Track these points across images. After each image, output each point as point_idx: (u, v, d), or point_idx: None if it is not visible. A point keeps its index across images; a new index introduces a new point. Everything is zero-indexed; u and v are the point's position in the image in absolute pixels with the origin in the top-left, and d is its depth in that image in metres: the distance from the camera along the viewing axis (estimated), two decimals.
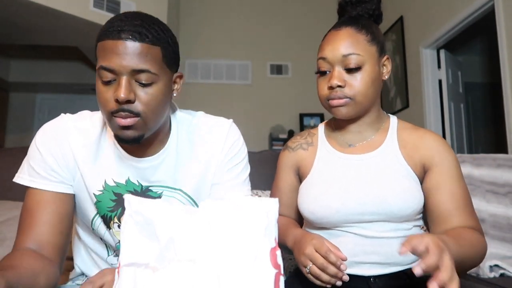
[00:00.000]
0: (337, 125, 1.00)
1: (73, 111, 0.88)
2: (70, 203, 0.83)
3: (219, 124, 0.89)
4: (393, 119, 1.00)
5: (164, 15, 3.73)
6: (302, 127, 4.73)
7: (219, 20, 4.95)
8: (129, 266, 0.43)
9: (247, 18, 5.00)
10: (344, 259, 0.74)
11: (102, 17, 3.35)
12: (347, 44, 0.88)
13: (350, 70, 0.88)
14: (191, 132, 0.87)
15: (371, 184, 0.88)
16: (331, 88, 0.88)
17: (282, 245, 0.86)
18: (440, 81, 3.52)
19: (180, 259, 0.43)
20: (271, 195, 1.06)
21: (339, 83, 0.87)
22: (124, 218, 0.47)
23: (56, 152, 0.80)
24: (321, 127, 1.05)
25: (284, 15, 5.01)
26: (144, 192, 0.84)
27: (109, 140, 0.83)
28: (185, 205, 0.85)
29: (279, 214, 0.99)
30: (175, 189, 0.85)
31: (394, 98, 4.09)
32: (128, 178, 0.83)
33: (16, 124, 5.79)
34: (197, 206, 0.86)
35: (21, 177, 0.80)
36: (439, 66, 3.54)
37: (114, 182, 0.83)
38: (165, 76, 0.75)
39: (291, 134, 4.56)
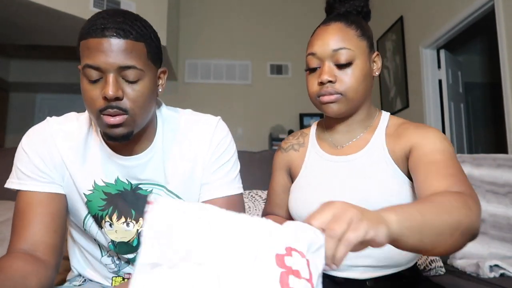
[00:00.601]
0: (327, 125, 0.98)
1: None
2: (62, 202, 0.83)
3: (205, 121, 0.88)
4: (385, 115, 0.95)
5: (164, 15, 3.73)
6: (302, 127, 4.72)
7: (219, 20, 4.95)
8: (146, 266, 0.43)
9: (247, 18, 5.00)
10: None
11: None
12: (337, 39, 0.85)
13: (340, 66, 0.85)
14: (176, 129, 0.86)
15: (357, 187, 0.85)
16: (321, 84, 0.86)
17: None
18: (440, 81, 3.52)
19: (189, 261, 0.43)
20: (268, 196, 1.08)
21: (330, 78, 0.84)
22: (145, 219, 0.47)
23: (43, 152, 0.80)
24: (314, 127, 1.04)
25: (284, 15, 5.01)
26: (134, 190, 0.84)
27: (96, 140, 0.83)
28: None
29: (272, 213, 1.02)
30: (163, 187, 0.85)
31: (394, 98, 4.09)
32: (117, 177, 0.83)
33: (16, 124, 5.78)
34: None
35: (11, 182, 0.81)
36: (439, 66, 3.54)
37: (103, 182, 0.83)
38: (150, 72, 0.75)
39: (291, 134, 4.56)
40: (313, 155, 0.97)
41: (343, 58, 0.84)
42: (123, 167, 0.82)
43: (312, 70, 0.89)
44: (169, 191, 0.84)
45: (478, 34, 4.28)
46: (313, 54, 0.88)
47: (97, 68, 0.69)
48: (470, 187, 0.71)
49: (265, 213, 1.08)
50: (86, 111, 0.84)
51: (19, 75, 5.55)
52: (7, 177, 0.82)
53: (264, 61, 4.96)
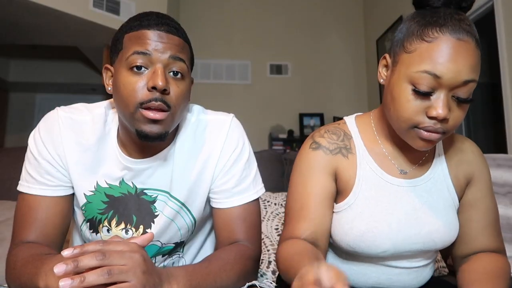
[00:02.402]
0: (381, 133, 0.82)
1: None
2: (68, 203, 0.81)
3: (217, 123, 0.85)
4: None
5: None
6: (302, 127, 4.73)
7: (218, 20, 4.95)
8: None
9: (246, 18, 5.00)
10: None
11: (101, 17, 3.35)
12: (472, 67, 0.64)
13: (461, 101, 0.67)
14: (187, 132, 0.83)
15: (422, 220, 0.77)
16: (432, 118, 0.66)
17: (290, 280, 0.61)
18: None
19: None
20: (293, 211, 0.79)
21: (448, 117, 0.66)
22: None
23: (51, 153, 0.78)
24: (354, 127, 0.83)
25: (284, 15, 5.00)
26: (138, 195, 0.82)
27: (109, 139, 0.80)
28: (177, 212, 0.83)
29: (299, 235, 0.75)
30: (167, 193, 0.82)
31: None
32: (123, 179, 0.80)
33: (16, 124, 5.79)
34: (190, 212, 0.84)
35: (21, 184, 0.79)
36: None
37: (107, 183, 0.80)
38: (189, 75, 0.76)
39: (291, 134, 4.56)
40: (367, 170, 0.79)
41: (469, 92, 0.66)
42: (132, 170, 0.79)
43: (420, 94, 0.66)
44: (172, 197, 0.82)
45: (477, 34, 4.27)
46: (435, 76, 0.64)
47: (146, 54, 0.68)
48: (502, 238, 0.81)
49: (289, 235, 0.77)
50: (100, 105, 0.83)
51: (19, 75, 5.56)
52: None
53: (263, 61, 4.96)
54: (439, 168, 0.81)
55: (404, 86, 0.68)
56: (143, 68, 0.68)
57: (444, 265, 1.35)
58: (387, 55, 0.76)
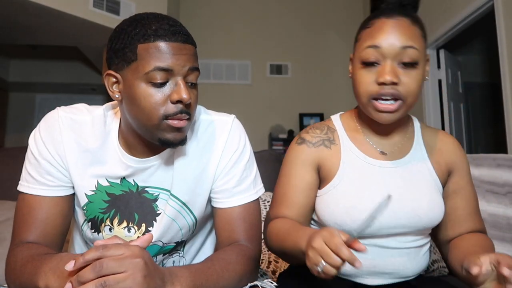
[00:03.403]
0: (363, 125, 0.91)
1: None
2: (68, 203, 0.81)
3: (219, 124, 0.86)
4: (416, 121, 0.95)
5: None
6: (302, 127, 4.72)
7: (218, 20, 4.95)
8: None
9: (246, 18, 5.00)
10: (363, 250, 0.62)
11: (101, 17, 3.35)
12: (406, 36, 0.77)
13: (406, 65, 0.77)
14: (191, 132, 0.84)
15: (405, 196, 0.83)
16: (382, 84, 0.77)
17: (288, 253, 0.80)
18: (439, 81, 3.53)
19: None
20: (278, 197, 0.90)
21: (394, 80, 0.76)
22: None
23: (51, 153, 0.78)
24: (338, 122, 0.94)
25: (284, 15, 5.00)
26: (140, 193, 0.82)
27: (110, 139, 0.80)
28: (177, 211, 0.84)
29: (283, 216, 0.88)
30: (168, 191, 0.82)
31: None
32: (124, 177, 0.81)
33: (16, 124, 5.79)
34: (191, 212, 0.85)
35: (21, 184, 0.79)
36: (438, 66, 3.54)
37: (108, 181, 0.80)
38: None
39: (291, 134, 4.56)
40: (351, 156, 0.88)
41: (410, 57, 0.77)
42: (134, 168, 0.80)
43: (369, 64, 0.79)
44: (172, 195, 0.82)
45: (477, 34, 4.28)
46: (376, 47, 0.77)
47: (167, 70, 0.68)
48: (482, 220, 0.91)
49: (274, 215, 0.89)
50: (99, 107, 0.82)
51: (19, 75, 5.56)
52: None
53: (264, 61, 4.96)
54: (419, 153, 0.89)
55: (358, 67, 0.81)
56: (163, 82, 0.69)
57: (444, 265, 1.35)
58: (351, 55, 0.88)
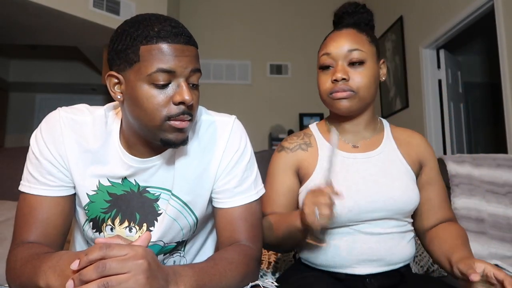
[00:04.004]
0: (334, 125, 1.02)
1: None
2: (69, 203, 0.81)
3: (219, 124, 0.86)
4: (384, 121, 1.06)
5: None
6: (302, 127, 4.72)
7: (219, 20, 4.95)
8: None
9: (246, 18, 5.00)
10: (340, 193, 0.78)
11: (101, 17, 3.35)
12: (351, 41, 0.92)
13: (353, 64, 0.91)
14: (192, 132, 0.84)
15: (379, 182, 0.91)
16: (335, 81, 0.91)
17: (282, 239, 0.90)
18: (439, 81, 3.52)
19: None
20: (265, 199, 0.98)
21: (344, 76, 0.90)
22: None
23: (53, 153, 0.78)
24: (314, 127, 1.05)
25: (283, 15, 5.01)
26: (141, 193, 0.82)
27: (111, 139, 0.80)
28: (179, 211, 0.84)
29: (271, 213, 0.96)
30: (169, 191, 0.82)
31: (394, 98, 4.09)
32: (125, 177, 0.81)
33: (16, 124, 5.79)
34: (192, 212, 0.85)
35: (22, 184, 0.79)
36: (438, 66, 3.54)
37: (109, 181, 0.80)
38: None
39: (291, 134, 4.56)
40: (326, 153, 0.97)
41: (356, 57, 0.91)
42: (135, 168, 0.80)
43: (325, 68, 0.94)
44: (174, 195, 0.82)
45: (477, 34, 4.28)
46: (327, 54, 0.93)
47: (170, 72, 0.69)
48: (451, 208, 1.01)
49: (263, 215, 0.97)
50: (100, 107, 0.82)
51: (19, 75, 5.56)
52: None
53: (264, 61, 4.96)
54: (389, 145, 0.99)
55: (318, 72, 0.98)
56: (165, 84, 0.70)
57: None
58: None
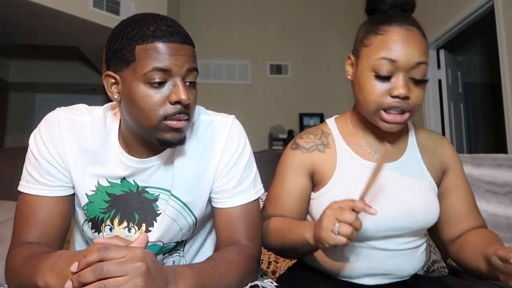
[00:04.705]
0: (358, 128, 0.92)
1: None
2: (68, 203, 0.81)
3: (219, 124, 0.86)
4: (410, 124, 0.96)
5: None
6: (302, 127, 4.72)
7: (218, 20, 4.94)
8: None
9: (246, 18, 5.00)
10: (375, 213, 0.68)
11: (101, 17, 3.35)
12: (421, 51, 0.77)
13: (417, 81, 0.78)
14: (190, 132, 0.84)
15: (400, 198, 0.84)
16: (395, 97, 0.77)
17: (289, 246, 0.85)
18: (439, 81, 3.52)
19: None
20: (273, 197, 0.93)
21: (408, 94, 0.77)
22: None
23: (52, 153, 0.77)
24: (333, 125, 0.94)
25: (283, 15, 5.00)
26: (140, 193, 0.82)
27: (110, 139, 0.80)
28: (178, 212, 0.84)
29: (280, 215, 0.90)
30: (168, 191, 0.82)
31: None
32: (124, 177, 0.81)
33: (16, 124, 5.79)
34: (192, 212, 0.85)
35: (21, 185, 0.79)
36: (438, 66, 3.54)
37: (108, 182, 0.80)
38: None
39: (291, 134, 4.56)
40: (346, 159, 0.88)
41: (422, 73, 0.78)
42: (134, 168, 0.80)
43: (383, 77, 0.78)
44: (173, 195, 0.82)
45: (477, 34, 4.28)
46: (392, 60, 0.77)
47: (166, 71, 0.68)
48: (481, 215, 0.92)
49: (269, 215, 0.93)
50: (98, 107, 0.82)
51: (19, 75, 5.56)
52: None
53: (263, 61, 4.96)
54: (413, 154, 0.90)
55: (368, 74, 0.80)
56: (162, 82, 0.69)
57: (444, 265, 1.35)
58: (351, 55, 0.88)
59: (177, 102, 0.70)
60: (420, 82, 0.79)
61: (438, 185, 0.91)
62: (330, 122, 0.96)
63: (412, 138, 0.92)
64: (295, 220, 0.88)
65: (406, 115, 0.79)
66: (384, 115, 0.79)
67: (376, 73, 0.78)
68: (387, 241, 0.84)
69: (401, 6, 0.83)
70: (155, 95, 0.69)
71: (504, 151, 2.55)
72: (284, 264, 1.29)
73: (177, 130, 0.71)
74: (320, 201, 0.87)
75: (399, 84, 0.77)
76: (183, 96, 0.69)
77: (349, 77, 0.88)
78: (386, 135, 0.88)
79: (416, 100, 0.79)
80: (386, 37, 0.78)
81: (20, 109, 5.89)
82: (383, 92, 0.78)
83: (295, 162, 0.91)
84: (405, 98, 0.77)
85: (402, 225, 0.83)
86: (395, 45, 0.77)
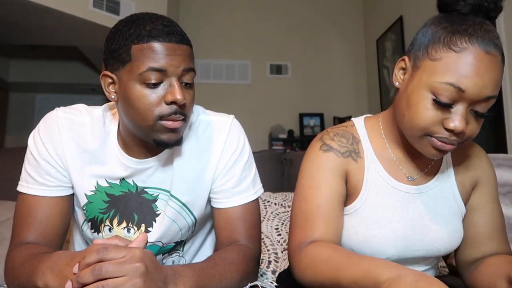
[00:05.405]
0: (392, 142, 0.80)
1: None
2: (67, 203, 0.81)
3: (218, 124, 0.85)
4: None
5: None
6: (302, 127, 4.73)
7: (218, 20, 4.95)
8: None
9: (246, 18, 5.00)
10: None
11: (101, 17, 3.35)
12: (497, 83, 0.63)
13: (480, 116, 0.66)
14: (189, 133, 0.84)
15: (426, 227, 0.77)
16: (450, 130, 0.65)
17: (346, 284, 0.61)
18: None
19: None
20: (306, 213, 0.75)
21: (465, 130, 0.65)
22: None
23: (51, 153, 0.78)
24: (363, 131, 0.82)
25: (283, 14, 5.00)
26: (139, 193, 0.82)
27: (109, 140, 0.80)
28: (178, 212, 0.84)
29: (319, 238, 0.72)
30: (168, 192, 0.82)
31: (394, 98, 4.09)
32: (123, 178, 0.81)
33: (16, 124, 5.79)
34: (191, 212, 0.85)
35: (21, 185, 0.79)
36: None
37: (107, 182, 0.80)
38: None
39: (291, 134, 4.56)
40: (374, 175, 0.78)
41: (487, 108, 0.65)
42: (133, 169, 0.80)
43: (440, 104, 0.64)
44: (172, 196, 0.82)
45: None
46: (460, 89, 0.62)
47: (161, 71, 0.68)
48: (509, 242, 0.80)
49: (305, 239, 0.72)
50: (97, 107, 0.82)
51: (19, 75, 5.56)
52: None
53: (263, 61, 4.96)
54: (446, 175, 0.80)
55: (424, 94, 0.66)
56: (157, 83, 0.69)
57: (444, 265, 1.35)
58: (406, 58, 0.73)
59: (173, 102, 0.69)
60: (481, 117, 0.66)
61: (466, 203, 0.82)
62: (359, 125, 0.82)
63: (447, 157, 0.82)
64: (352, 251, 0.70)
65: (455, 146, 0.68)
66: (433, 140, 0.67)
67: (435, 97, 0.65)
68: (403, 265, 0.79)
69: (485, 11, 0.67)
70: (151, 95, 0.69)
71: (504, 151, 2.54)
72: (284, 264, 1.29)
73: (173, 130, 0.71)
74: (344, 219, 0.78)
75: (457, 117, 0.64)
76: (178, 96, 0.68)
77: (397, 83, 0.75)
78: (421, 155, 0.77)
79: (471, 134, 0.66)
80: (461, 58, 0.62)
81: (20, 109, 5.89)
82: (436, 120, 0.65)
83: (330, 166, 0.76)
84: (460, 132, 0.65)
85: (423, 254, 0.78)
86: (469, 72, 0.62)
